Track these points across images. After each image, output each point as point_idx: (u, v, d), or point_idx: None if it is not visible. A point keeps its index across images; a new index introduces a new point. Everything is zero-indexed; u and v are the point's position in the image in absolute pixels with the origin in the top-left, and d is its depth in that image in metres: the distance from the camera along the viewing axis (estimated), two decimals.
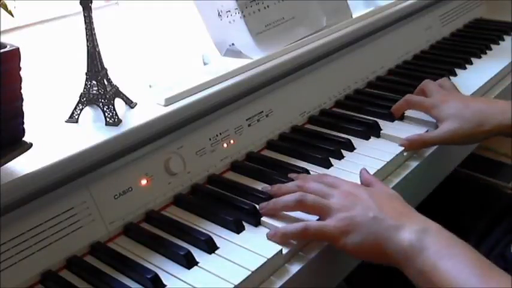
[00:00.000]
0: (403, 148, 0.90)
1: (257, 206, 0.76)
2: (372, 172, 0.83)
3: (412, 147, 0.92)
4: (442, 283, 0.60)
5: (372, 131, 0.95)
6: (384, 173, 0.86)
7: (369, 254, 0.69)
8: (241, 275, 0.65)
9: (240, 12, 0.96)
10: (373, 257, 0.69)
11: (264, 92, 0.95)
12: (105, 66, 0.80)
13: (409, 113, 1.01)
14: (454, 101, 0.95)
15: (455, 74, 1.18)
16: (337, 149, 0.89)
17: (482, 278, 0.59)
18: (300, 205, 0.73)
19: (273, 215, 0.75)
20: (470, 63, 1.23)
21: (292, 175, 0.83)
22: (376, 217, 0.68)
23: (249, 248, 0.70)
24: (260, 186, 0.82)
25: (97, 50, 0.78)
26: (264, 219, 0.75)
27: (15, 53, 0.64)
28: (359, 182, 0.80)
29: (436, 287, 0.61)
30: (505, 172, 1.34)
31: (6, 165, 0.66)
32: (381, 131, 0.96)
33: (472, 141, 0.95)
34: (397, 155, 0.88)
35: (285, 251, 0.70)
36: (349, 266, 0.79)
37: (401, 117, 1.01)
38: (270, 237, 0.72)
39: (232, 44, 0.98)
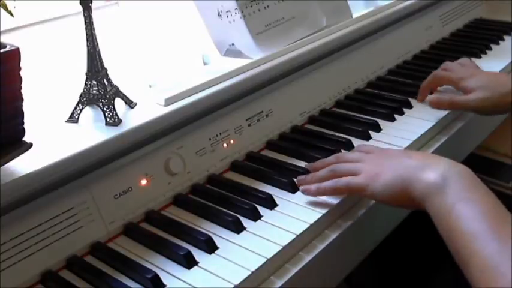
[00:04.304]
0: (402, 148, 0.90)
1: (257, 206, 0.77)
2: None
3: (440, 105, 0.98)
4: (454, 226, 0.61)
5: (371, 131, 0.95)
6: None
7: (396, 197, 0.70)
8: (241, 275, 0.65)
9: (240, 12, 0.96)
10: (399, 200, 0.71)
11: (264, 92, 0.95)
12: (105, 66, 0.80)
13: (409, 112, 1.02)
14: (482, 74, 1.01)
15: None
16: (337, 149, 0.89)
17: (491, 229, 0.59)
18: (334, 175, 0.77)
19: (309, 188, 0.78)
20: None
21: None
22: (403, 160, 0.72)
23: (249, 248, 0.70)
24: (260, 186, 0.82)
25: (97, 50, 0.78)
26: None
27: (15, 53, 0.64)
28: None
29: (449, 228, 0.62)
30: (505, 172, 1.34)
31: (6, 165, 0.66)
32: (381, 131, 0.96)
33: (498, 111, 1.00)
34: None
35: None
36: (349, 266, 0.79)
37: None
38: (302, 190, 0.78)
39: (232, 44, 0.98)
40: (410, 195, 0.68)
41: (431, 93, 1.06)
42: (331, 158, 0.82)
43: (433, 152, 0.93)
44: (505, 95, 0.95)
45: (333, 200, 0.77)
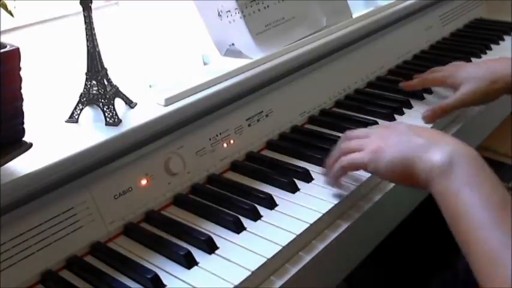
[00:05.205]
0: None
1: (257, 206, 0.77)
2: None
3: (434, 117, 0.96)
4: (458, 211, 0.60)
5: None
6: None
7: (398, 175, 0.69)
8: (241, 275, 0.65)
9: (240, 12, 0.96)
10: (402, 178, 0.70)
11: (264, 92, 0.95)
12: (105, 66, 0.80)
13: (409, 112, 1.02)
14: (467, 66, 1.01)
15: None
16: None
17: (496, 218, 0.58)
18: (344, 152, 0.77)
19: (327, 180, 0.80)
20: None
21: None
22: (409, 137, 0.70)
23: (249, 248, 0.70)
24: (260, 186, 0.82)
25: (97, 50, 0.78)
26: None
27: (15, 53, 0.64)
28: (357, 183, 0.81)
29: (453, 213, 0.61)
30: (505, 172, 1.33)
31: (6, 165, 0.66)
32: None
33: (489, 99, 0.98)
34: None
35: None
36: (349, 266, 0.79)
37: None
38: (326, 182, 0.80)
39: (232, 44, 0.98)
40: (414, 174, 0.67)
41: (420, 94, 1.07)
42: (341, 138, 0.81)
43: None
44: (495, 81, 0.94)
45: (333, 200, 0.77)
